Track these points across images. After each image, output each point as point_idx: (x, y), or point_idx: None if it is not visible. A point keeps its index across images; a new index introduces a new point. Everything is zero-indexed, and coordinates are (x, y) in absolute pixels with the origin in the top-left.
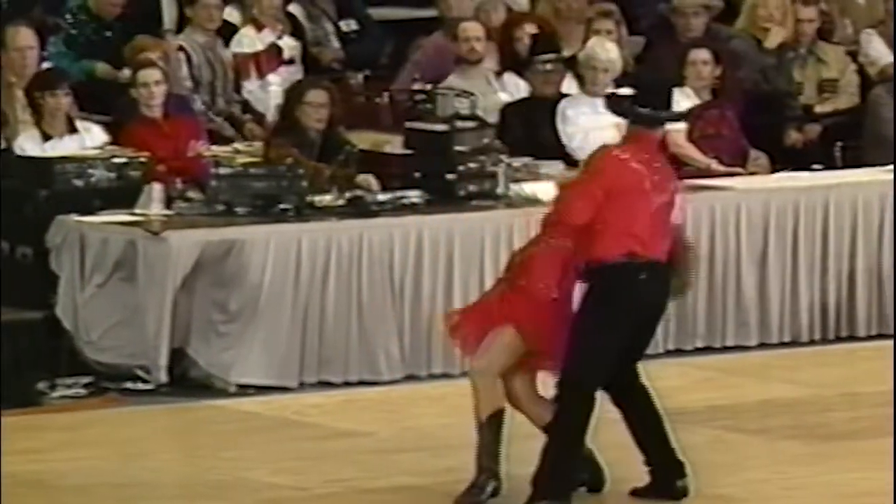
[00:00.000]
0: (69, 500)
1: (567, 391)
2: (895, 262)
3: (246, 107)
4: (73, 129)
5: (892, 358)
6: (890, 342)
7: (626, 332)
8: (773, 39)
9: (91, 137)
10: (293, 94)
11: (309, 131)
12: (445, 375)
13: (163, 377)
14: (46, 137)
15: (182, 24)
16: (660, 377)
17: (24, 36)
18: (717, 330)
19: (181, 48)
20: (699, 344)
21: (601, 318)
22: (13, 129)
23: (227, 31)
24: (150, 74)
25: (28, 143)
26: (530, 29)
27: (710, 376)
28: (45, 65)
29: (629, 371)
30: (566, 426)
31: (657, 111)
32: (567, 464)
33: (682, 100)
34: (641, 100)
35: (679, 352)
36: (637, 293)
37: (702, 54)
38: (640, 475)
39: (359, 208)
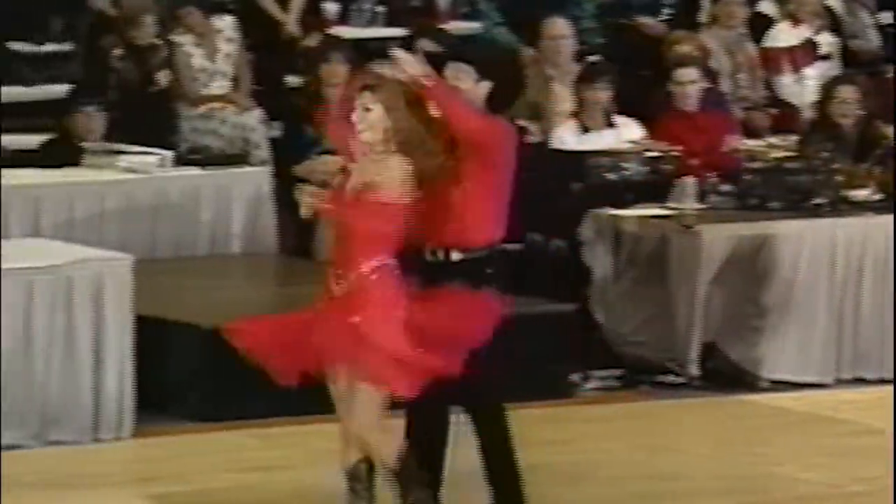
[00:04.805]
0: (603, 492)
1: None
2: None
3: (775, 101)
4: (610, 124)
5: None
6: None
7: None
8: None
9: (628, 132)
10: (825, 90)
11: (842, 127)
12: None
13: (694, 370)
14: (585, 131)
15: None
16: None
17: (559, 26)
18: None
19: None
20: None
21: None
22: (549, 122)
23: (761, 24)
24: (687, 74)
25: (567, 136)
26: None
27: None
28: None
29: None
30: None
31: None
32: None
33: None
34: None
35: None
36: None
37: None
38: None
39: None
